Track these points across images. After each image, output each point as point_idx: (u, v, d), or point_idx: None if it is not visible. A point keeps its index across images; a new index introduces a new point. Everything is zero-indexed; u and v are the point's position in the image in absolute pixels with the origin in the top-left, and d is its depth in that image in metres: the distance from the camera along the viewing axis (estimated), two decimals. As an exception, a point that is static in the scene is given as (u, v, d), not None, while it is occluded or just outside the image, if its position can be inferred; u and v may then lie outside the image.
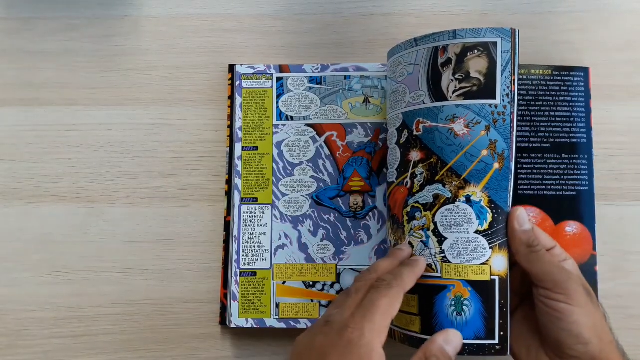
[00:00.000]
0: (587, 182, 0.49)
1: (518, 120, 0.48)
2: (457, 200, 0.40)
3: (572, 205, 0.49)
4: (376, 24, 0.54)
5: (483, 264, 0.40)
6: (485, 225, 0.40)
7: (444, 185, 0.41)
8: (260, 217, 0.50)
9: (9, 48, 0.54)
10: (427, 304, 0.40)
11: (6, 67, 0.54)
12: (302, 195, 0.50)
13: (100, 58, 0.54)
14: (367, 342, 0.34)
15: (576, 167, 0.49)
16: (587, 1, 0.53)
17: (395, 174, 0.44)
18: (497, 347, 0.39)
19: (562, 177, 0.49)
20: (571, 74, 0.50)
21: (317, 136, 0.51)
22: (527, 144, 0.49)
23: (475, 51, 0.41)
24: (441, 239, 0.40)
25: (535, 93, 0.50)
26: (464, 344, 0.39)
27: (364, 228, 0.49)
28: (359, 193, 0.50)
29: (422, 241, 0.41)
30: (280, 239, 0.49)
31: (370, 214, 0.49)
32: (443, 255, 0.40)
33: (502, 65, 0.41)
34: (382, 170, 0.50)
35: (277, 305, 0.49)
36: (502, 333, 0.39)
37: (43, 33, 0.54)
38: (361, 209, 0.50)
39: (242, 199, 0.50)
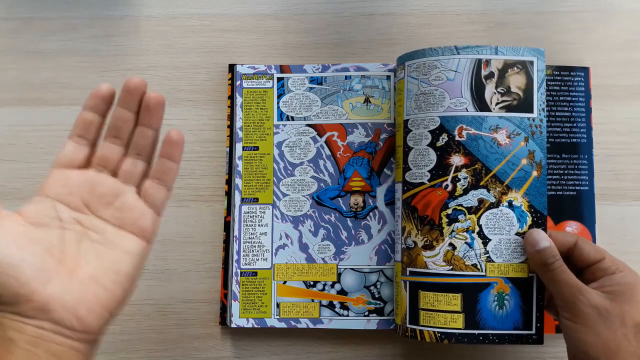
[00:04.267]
0: (587, 182, 0.49)
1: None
2: (500, 204, 0.44)
3: (572, 205, 0.49)
4: (376, 23, 0.54)
5: (522, 262, 0.43)
6: (525, 228, 0.44)
7: (488, 191, 0.44)
8: (261, 217, 0.50)
9: (9, 48, 0.54)
10: (471, 301, 0.43)
11: (6, 67, 0.54)
12: (303, 196, 0.50)
13: (100, 58, 0.54)
14: None
15: (576, 167, 0.49)
16: (587, 1, 0.53)
17: (427, 175, 0.45)
18: (534, 336, 0.43)
19: (563, 177, 0.49)
20: (571, 73, 0.50)
21: (317, 136, 0.51)
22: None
23: (515, 68, 0.44)
24: (486, 241, 0.44)
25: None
26: (504, 334, 0.43)
27: (364, 228, 0.49)
28: (360, 193, 0.50)
29: (466, 242, 0.44)
30: (281, 239, 0.49)
31: (371, 214, 0.49)
32: (487, 255, 0.44)
33: (538, 82, 0.44)
34: (382, 170, 0.50)
35: (278, 305, 0.49)
36: (538, 325, 0.43)
37: (43, 33, 0.54)
38: (362, 209, 0.50)
39: (242, 199, 0.50)
